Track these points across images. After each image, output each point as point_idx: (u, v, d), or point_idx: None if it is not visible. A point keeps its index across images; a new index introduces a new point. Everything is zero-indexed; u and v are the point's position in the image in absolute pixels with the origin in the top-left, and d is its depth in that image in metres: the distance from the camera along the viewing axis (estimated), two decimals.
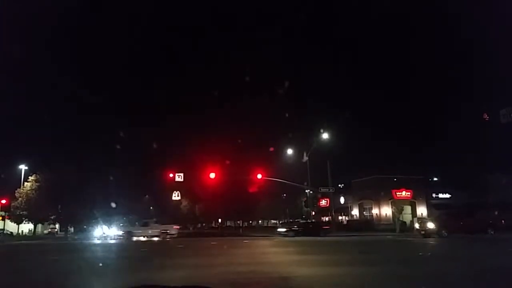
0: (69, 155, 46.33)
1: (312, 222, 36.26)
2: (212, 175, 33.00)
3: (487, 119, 27.96)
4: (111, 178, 42.07)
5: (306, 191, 37.70)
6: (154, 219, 39.29)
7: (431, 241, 23.58)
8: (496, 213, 30.93)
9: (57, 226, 51.61)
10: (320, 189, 37.60)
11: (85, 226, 43.58)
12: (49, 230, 53.62)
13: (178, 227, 39.20)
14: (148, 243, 30.14)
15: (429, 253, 16.38)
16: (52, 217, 46.42)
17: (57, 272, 11.31)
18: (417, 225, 30.90)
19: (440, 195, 44.59)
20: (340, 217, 50.28)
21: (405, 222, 38.37)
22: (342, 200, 49.29)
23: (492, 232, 26.68)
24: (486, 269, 10.18)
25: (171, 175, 33.35)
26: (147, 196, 62.65)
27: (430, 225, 27.43)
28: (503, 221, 30.16)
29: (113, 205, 41.72)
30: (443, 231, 26.34)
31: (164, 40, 73.71)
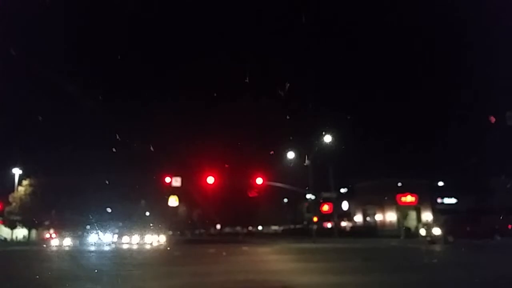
0: (64, 159, 45.66)
1: None
2: (210, 180, 32.05)
3: (493, 121, 27.26)
4: (107, 182, 41.36)
5: (308, 196, 36.84)
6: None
7: (437, 247, 23.52)
8: (501, 218, 30.13)
9: (51, 231, 50.76)
10: (322, 194, 36.85)
11: (80, 232, 42.75)
12: (48, 235, 52.20)
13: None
14: (144, 250, 29.56)
15: (436, 260, 16.17)
16: (46, 223, 45.84)
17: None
18: (422, 231, 30.26)
19: (446, 200, 43.87)
20: (343, 223, 49.44)
21: (409, 228, 37.70)
22: (345, 205, 48.43)
23: (499, 238, 26.09)
24: (496, 277, 9.76)
25: (167, 179, 32.42)
26: (143, 201, 61.91)
27: (436, 231, 26.91)
28: (510, 226, 29.38)
29: (109, 210, 41.11)
30: (449, 237, 25.77)
31: (162, 41, 73.14)
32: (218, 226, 74.63)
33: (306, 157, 34.95)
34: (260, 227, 69.55)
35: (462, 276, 10.26)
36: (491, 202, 38.11)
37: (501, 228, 27.29)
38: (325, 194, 37.26)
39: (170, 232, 78.32)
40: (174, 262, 17.39)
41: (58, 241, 40.54)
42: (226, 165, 36.74)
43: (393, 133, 57.11)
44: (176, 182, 32.63)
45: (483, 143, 40.55)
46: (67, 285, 9.88)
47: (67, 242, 39.43)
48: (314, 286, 9.27)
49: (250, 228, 68.50)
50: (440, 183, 46.24)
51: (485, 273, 10.59)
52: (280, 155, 38.03)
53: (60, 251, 29.01)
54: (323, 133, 33.50)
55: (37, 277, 11.75)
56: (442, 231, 26.45)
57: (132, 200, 54.98)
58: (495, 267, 12.03)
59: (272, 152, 39.25)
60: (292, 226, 57.09)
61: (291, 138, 39.37)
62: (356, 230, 42.91)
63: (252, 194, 39.11)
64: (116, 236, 44.66)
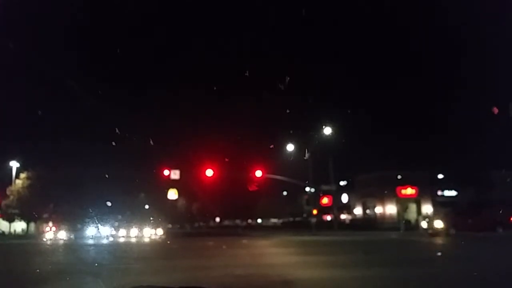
0: (62, 152, 45.38)
1: None
2: (209, 173, 31.91)
3: (496, 112, 26.93)
4: (107, 175, 41.16)
5: (307, 189, 36.76)
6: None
7: (440, 240, 23.24)
8: (501, 211, 29.96)
9: (50, 224, 50.61)
10: (321, 187, 36.77)
11: (79, 225, 42.64)
12: (48, 228, 51.52)
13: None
14: (143, 243, 29.54)
15: (440, 254, 16.01)
16: (45, 216, 45.75)
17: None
18: (423, 224, 30.18)
19: (446, 193, 43.84)
20: (343, 216, 49.46)
21: (409, 220, 37.69)
22: (344, 198, 48.45)
23: (501, 230, 25.95)
24: (498, 270, 9.55)
25: (166, 172, 32.28)
26: (143, 194, 61.79)
27: (438, 224, 26.74)
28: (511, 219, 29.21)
29: (108, 203, 40.97)
30: (451, 230, 25.74)
31: (162, 34, 72.64)
32: (218, 219, 74.76)
33: (306, 151, 34.84)
34: (259, 220, 69.61)
35: (472, 270, 10.03)
36: (491, 195, 38.00)
37: (503, 221, 27.14)
38: (325, 187, 37.23)
39: (170, 225, 78.33)
40: (174, 256, 17.37)
41: (57, 234, 40.53)
42: (226, 159, 36.62)
43: (393, 126, 56.92)
44: (175, 175, 32.52)
45: (483, 136, 40.50)
46: (68, 278, 9.84)
47: (66, 235, 39.41)
48: (315, 280, 9.09)
49: (249, 221, 68.55)
50: (440, 176, 46.22)
51: (486, 266, 10.47)
52: (280, 148, 37.94)
53: (59, 245, 29.07)
54: (323, 126, 33.40)
55: (38, 270, 11.74)
56: (444, 224, 26.34)
57: (131, 193, 54.80)
58: (497, 260, 11.94)
59: (272, 146, 39.10)
60: (291, 219, 57.13)
61: (291, 131, 39.21)
62: (356, 223, 42.96)
63: (252, 188, 39.01)
64: (115, 229, 44.58)
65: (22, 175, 44.25)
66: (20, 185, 43.82)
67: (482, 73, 41.99)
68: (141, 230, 43.85)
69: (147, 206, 60.51)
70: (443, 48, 58.64)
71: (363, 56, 64.83)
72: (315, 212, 37.92)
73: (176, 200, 52.47)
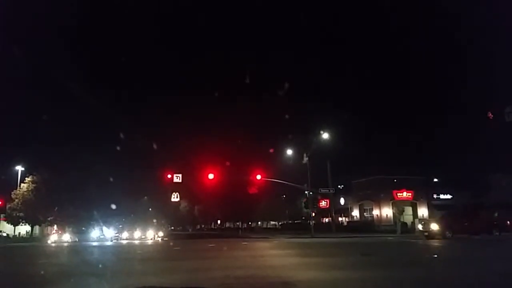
0: (66, 156, 45.98)
1: None
2: (211, 176, 32.61)
3: (491, 117, 27.34)
4: (111, 179, 41.63)
5: (306, 192, 37.28)
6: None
7: (436, 242, 23.01)
8: (496, 214, 30.17)
9: (55, 227, 50.96)
10: (320, 190, 37.24)
11: (83, 228, 43.12)
12: (54, 231, 51.11)
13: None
14: (146, 245, 29.89)
15: (437, 255, 15.90)
16: (49, 219, 46.07)
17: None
18: (420, 226, 30.31)
19: (441, 196, 44.16)
20: (340, 218, 49.91)
21: (405, 223, 38.03)
22: (342, 201, 48.97)
23: (497, 233, 26.17)
24: (492, 272, 9.72)
25: (169, 176, 32.96)
26: (146, 197, 62.16)
27: (434, 226, 26.68)
28: (508, 222, 29.45)
29: (112, 206, 41.33)
30: (447, 232, 25.78)
31: (164, 41, 73.61)
32: (219, 222, 75.21)
33: (305, 155, 35.48)
34: (259, 222, 70.08)
35: (470, 271, 10.14)
36: (486, 199, 38.27)
37: (499, 224, 27.34)
38: (323, 190, 37.60)
39: (172, 227, 78.73)
40: (176, 257, 17.50)
41: (61, 237, 40.84)
42: (227, 162, 37.25)
43: (390, 131, 57.60)
44: (177, 178, 33.11)
45: (479, 140, 40.96)
46: (72, 280, 9.99)
47: (71, 237, 39.73)
48: (314, 282, 9.10)
49: (249, 223, 69.05)
50: (436, 179, 46.71)
51: (483, 268, 10.62)
52: (280, 152, 38.65)
53: (63, 247, 29.07)
54: (321, 131, 34.03)
55: (42, 272, 11.85)
56: (440, 226, 26.34)
57: (135, 196, 55.32)
58: (493, 263, 12.10)
59: (271, 150, 39.72)
60: (290, 221, 57.59)
61: (290, 136, 39.97)
62: (353, 225, 43.29)
63: (252, 190, 39.60)
64: (119, 231, 45.15)
65: (28, 179, 44.67)
66: (25, 189, 44.21)
67: (479, 78, 42.63)
68: (144, 232, 44.32)
69: (150, 209, 60.96)
70: (441, 56, 59.34)
71: (362, 63, 65.61)
72: (313, 214, 38.44)
73: (178, 203, 53.00)
